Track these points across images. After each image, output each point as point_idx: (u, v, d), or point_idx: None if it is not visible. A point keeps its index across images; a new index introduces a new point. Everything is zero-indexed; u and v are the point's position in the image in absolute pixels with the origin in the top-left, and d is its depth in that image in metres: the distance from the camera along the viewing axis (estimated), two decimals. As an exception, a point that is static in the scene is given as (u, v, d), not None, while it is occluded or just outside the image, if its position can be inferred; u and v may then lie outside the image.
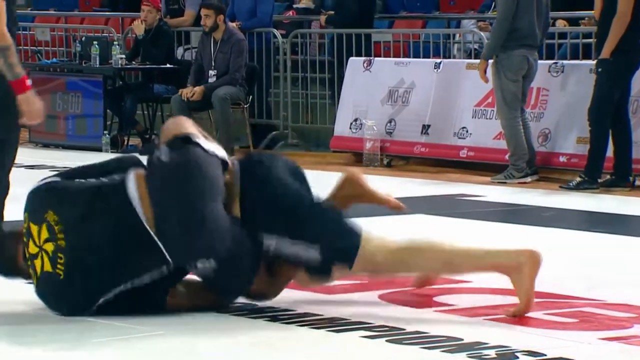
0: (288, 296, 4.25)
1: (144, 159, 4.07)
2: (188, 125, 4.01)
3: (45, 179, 4.10)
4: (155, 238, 3.82)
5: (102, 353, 3.67)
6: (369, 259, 4.00)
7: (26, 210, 4.03)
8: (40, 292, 3.97)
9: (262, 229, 3.93)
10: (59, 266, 3.88)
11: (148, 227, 3.81)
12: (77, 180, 4.02)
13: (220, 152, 4.00)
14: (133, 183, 3.90)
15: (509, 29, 7.89)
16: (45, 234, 3.90)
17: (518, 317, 4.14)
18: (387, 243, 4.05)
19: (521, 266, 4.07)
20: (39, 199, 3.99)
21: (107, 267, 3.83)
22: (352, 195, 4.30)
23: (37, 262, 3.93)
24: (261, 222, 3.93)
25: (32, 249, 3.95)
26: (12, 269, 4.06)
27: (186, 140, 3.93)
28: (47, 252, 3.90)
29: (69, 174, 4.10)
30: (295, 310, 4.18)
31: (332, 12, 10.09)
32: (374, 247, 4.01)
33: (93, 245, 3.83)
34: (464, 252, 4.13)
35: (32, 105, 4.50)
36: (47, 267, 3.90)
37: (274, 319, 4.09)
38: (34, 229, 3.94)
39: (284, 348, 3.80)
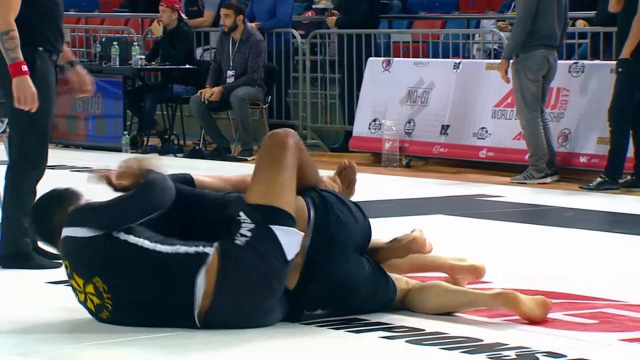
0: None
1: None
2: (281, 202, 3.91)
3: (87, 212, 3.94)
4: (197, 322, 3.87)
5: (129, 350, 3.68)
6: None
7: (66, 258, 3.92)
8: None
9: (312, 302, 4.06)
10: (103, 315, 3.92)
11: (196, 316, 3.85)
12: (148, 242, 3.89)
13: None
14: (202, 279, 3.83)
15: (529, 29, 7.87)
16: (91, 290, 3.87)
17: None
18: (401, 284, 4.18)
19: (502, 308, 4.13)
20: (86, 258, 3.87)
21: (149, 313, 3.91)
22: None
23: (80, 295, 3.93)
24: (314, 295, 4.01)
25: (75, 285, 3.92)
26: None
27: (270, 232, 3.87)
28: (91, 300, 3.89)
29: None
30: (314, 311, 4.17)
31: (337, 13, 10.02)
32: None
33: (140, 300, 3.87)
34: (457, 299, 4.19)
35: (22, 90, 4.64)
36: (91, 307, 3.93)
37: (292, 319, 4.09)
38: (79, 280, 3.89)
39: (304, 348, 3.79)
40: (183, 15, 10.44)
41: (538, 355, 3.65)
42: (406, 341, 3.82)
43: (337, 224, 4.00)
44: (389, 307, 4.13)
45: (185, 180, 4.11)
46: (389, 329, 3.95)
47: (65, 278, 4.03)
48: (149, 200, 3.88)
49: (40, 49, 4.80)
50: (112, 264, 3.83)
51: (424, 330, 3.93)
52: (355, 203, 4.20)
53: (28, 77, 4.64)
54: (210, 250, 3.84)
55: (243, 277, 3.84)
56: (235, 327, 3.90)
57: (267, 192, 3.89)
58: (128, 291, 3.84)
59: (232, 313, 3.89)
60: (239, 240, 3.85)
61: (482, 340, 3.81)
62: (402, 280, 4.20)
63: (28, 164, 4.82)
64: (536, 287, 4.62)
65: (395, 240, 4.22)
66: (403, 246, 4.20)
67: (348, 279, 4.00)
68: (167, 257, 3.82)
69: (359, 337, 3.89)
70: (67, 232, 3.90)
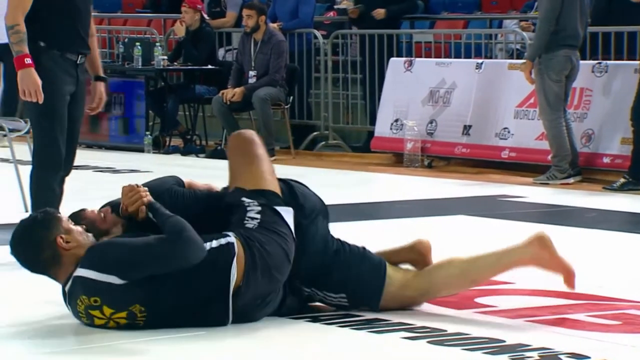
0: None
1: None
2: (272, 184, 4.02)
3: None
4: (230, 316, 3.87)
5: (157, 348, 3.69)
6: (396, 296, 4.12)
7: (94, 295, 3.79)
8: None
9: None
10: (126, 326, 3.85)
11: (230, 308, 3.87)
12: None
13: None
14: (235, 269, 3.84)
15: (553, 30, 7.84)
16: (122, 315, 3.81)
17: (561, 319, 4.10)
18: (409, 275, 4.18)
19: (536, 257, 4.13)
20: (126, 292, 3.77)
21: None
22: (416, 261, 4.29)
23: (98, 320, 3.83)
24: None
25: (96, 314, 3.81)
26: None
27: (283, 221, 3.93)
28: (116, 322, 3.82)
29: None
30: (336, 311, 4.16)
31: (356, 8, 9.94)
32: (398, 284, 4.12)
33: (176, 306, 3.84)
34: (480, 261, 4.16)
35: (26, 82, 4.70)
36: (112, 326, 3.84)
37: (315, 319, 4.09)
38: (107, 310, 3.80)
39: (325, 348, 3.79)
40: (205, 16, 10.45)
41: (561, 356, 3.63)
42: (428, 342, 3.80)
43: (303, 197, 4.11)
44: (377, 299, 4.07)
45: (177, 182, 4.15)
46: (411, 329, 3.94)
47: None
48: (176, 254, 3.75)
49: (42, 44, 4.80)
50: (151, 287, 3.78)
51: (445, 330, 3.92)
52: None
53: (32, 70, 4.69)
54: (231, 239, 3.86)
55: (267, 257, 3.89)
56: (256, 317, 3.93)
57: (257, 180, 4.04)
58: (165, 303, 3.80)
59: (256, 299, 3.90)
60: (251, 224, 3.91)
61: (504, 341, 3.79)
62: (403, 273, 4.17)
63: (37, 165, 4.85)
64: (559, 288, 4.59)
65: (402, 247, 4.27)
66: (409, 247, 4.24)
67: (326, 242, 4.07)
68: (207, 256, 3.81)
69: (381, 337, 3.88)
70: (89, 274, 3.75)
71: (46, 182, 4.83)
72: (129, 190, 3.92)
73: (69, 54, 4.87)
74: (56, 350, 3.74)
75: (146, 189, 3.94)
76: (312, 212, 4.09)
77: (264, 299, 3.94)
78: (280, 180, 4.15)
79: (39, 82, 4.71)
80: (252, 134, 4.22)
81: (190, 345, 3.75)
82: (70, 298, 3.85)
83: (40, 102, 4.72)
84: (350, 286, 4.08)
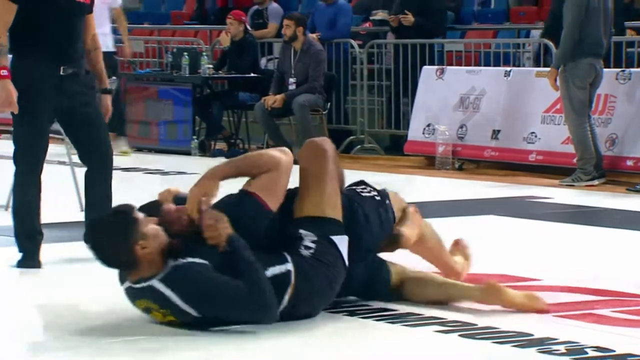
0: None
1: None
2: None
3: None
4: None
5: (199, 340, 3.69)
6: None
7: (163, 308, 3.76)
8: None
9: None
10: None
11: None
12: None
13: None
14: (288, 295, 3.83)
15: (577, 39, 7.77)
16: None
17: (587, 314, 4.06)
18: (400, 278, 4.21)
19: (489, 303, 4.11)
20: (196, 319, 3.74)
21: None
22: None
23: (155, 316, 3.80)
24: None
25: (156, 314, 3.79)
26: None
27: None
28: (172, 321, 3.80)
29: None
30: (372, 305, 4.15)
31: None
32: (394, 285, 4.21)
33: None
34: (448, 289, 4.20)
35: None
36: (165, 321, 3.81)
37: (352, 313, 4.07)
38: (171, 318, 3.76)
39: (362, 340, 3.77)
40: (249, 27, 10.48)
41: (587, 349, 3.59)
42: (459, 335, 3.78)
43: (362, 223, 4.05)
44: (387, 289, 4.12)
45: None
46: (443, 323, 3.91)
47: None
48: (257, 316, 3.72)
49: (24, 56, 4.72)
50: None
51: (476, 325, 3.89)
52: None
53: (6, 81, 4.63)
54: (290, 267, 3.82)
55: (313, 286, 3.88)
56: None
57: (319, 203, 3.91)
58: (220, 317, 3.76)
59: (296, 317, 3.90)
60: (305, 252, 3.87)
61: (532, 335, 3.75)
62: (397, 267, 4.21)
63: (16, 165, 4.83)
64: (585, 285, 4.55)
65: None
66: (391, 242, 4.19)
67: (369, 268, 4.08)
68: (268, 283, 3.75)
69: (414, 330, 3.86)
70: (169, 294, 3.67)
71: (20, 181, 4.79)
72: (211, 226, 3.71)
73: (50, 66, 4.74)
74: (99, 342, 3.76)
75: (226, 220, 3.72)
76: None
77: (300, 316, 3.93)
78: (342, 193, 4.04)
79: (14, 93, 4.64)
80: (324, 143, 4.02)
81: (237, 340, 3.75)
82: (134, 292, 3.79)
83: (15, 112, 4.70)
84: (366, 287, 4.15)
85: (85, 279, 4.64)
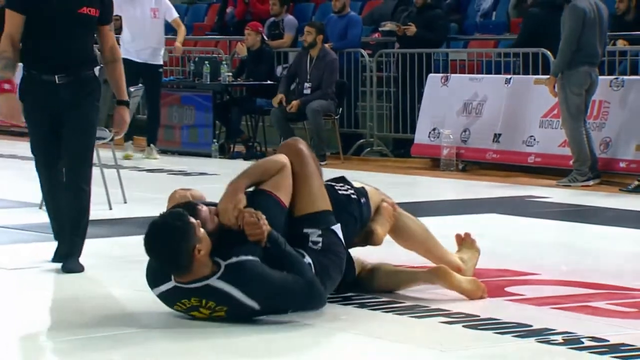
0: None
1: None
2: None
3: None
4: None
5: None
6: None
7: (220, 304, 3.71)
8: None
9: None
10: (213, 316, 3.78)
11: None
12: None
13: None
14: None
15: (574, 49, 7.76)
16: (222, 314, 3.75)
17: (583, 306, 4.05)
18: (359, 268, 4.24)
19: (437, 283, 4.16)
20: (254, 311, 3.74)
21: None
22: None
23: (199, 314, 3.75)
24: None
25: (204, 311, 3.75)
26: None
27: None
28: (212, 315, 3.77)
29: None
30: (380, 298, 4.15)
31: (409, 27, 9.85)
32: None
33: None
34: (400, 275, 4.24)
35: (2, 107, 4.58)
36: (202, 316, 3.75)
37: (361, 305, 4.07)
38: (221, 313, 3.74)
39: (372, 330, 3.78)
40: (265, 38, 10.49)
41: (583, 339, 3.58)
42: (463, 326, 3.78)
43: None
44: (354, 280, 4.14)
45: None
46: (448, 314, 3.91)
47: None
48: (311, 305, 3.78)
49: (23, 66, 4.63)
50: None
51: (479, 316, 3.89)
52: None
53: (10, 95, 4.54)
54: (308, 260, 3.86)
55: (331, 275, 3.91)
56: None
57: (311, 200, 3.95)
58: (280, 309, 3.79)
59: None
60: (316, 247, 3.90)
61: (531, 326, 3.75)
62: (359, 261, 4.23)
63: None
64: (581, 279, 4.54)
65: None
66: (363, 237, 4.19)
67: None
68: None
69: (421, 321, 3.86)
70: (231, 290, 3.65)
71: (39, 175, 4.71)
72: (253, 223, 3.72)
73: (45, 76, 4.58)
74: (130, 330, 3.76)
75: (264, 218, 3.74)
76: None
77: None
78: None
79: (17, 107, 4.56)
80: (299, 144, 4.04)
81: (247, 334, 3.76)
82: (183, 292, 3.71)
83: (20, 124, 4.62)
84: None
85: (117, 274, 4.65)
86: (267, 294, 3.71)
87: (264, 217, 3.78)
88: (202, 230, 3.72)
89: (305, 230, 3.91)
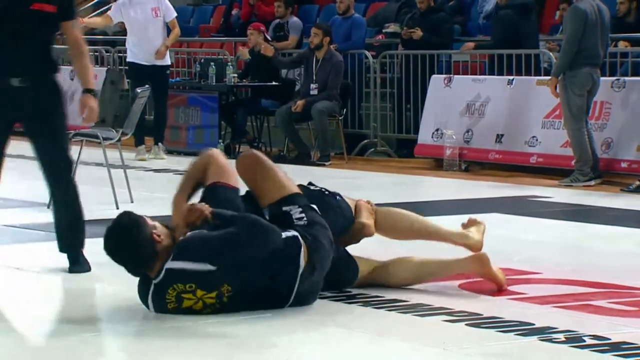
0: (377, 285, 4.24)
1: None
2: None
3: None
4: (292, 299, 3.89)
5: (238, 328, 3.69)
6: (360, 282, 4.25)
7: (196, 281, 3.74)
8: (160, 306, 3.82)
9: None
10: (209, 310, 3.81)
11: (294, 292, 3.88)
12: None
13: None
14: (302, 258, 3.86)
15: (576, 50, 7.75)
16: (212, 296, 3.78)
17: (584, 305, 4.05)
18: (370, 267, 4.26)
19: (473, 272, 4.22)
20: (216, 273, 3.76)
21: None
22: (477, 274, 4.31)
23: (187, 301, 3.79)
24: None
25: (188, 296, 3.78)
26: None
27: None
28: (204, 302, 3.80)
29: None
30: (384, 296, 4.15)
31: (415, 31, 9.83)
32: (364, 274, 4.27)
33: (255, 288, 3.83)
34: (429, 266, 4.26)
35: None
36: (197, 307, 3.81)
37: (366, 304, 4.08)
38: (201, 292, 3.77)
39: (376, 329, 3.78)
40: (268, 37, 10.49)
41: (585, 338, 3.58)
42: (466, 324, 3.77)
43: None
44: (355, 279, 4.17)
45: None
46: (451, 313, 3.91)
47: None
48: (258, 237, 3.78)
49: None
50: (238, 272, 3.77)
51: (481, 314, 3.88)
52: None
53: None
54: (295, 234, 3.88)
55: (322, 249, 3.92)
56: (309, 302, 3.93)
57: (280, 187, 4.01)
58: (248, 283, 3.79)
59: (313, 285, 3.91)
60: (301, 222, 3.92)
61: (534, 324, 3.74)
62: (363, 261, 4.24)
63: None
64: (582, 278, 4.53)
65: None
66: (355, 233, 4.21)
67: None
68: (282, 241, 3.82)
69: (424, 320, 3.86)
70: (184, 265, 3.71)
71: None
72: (189, 209, 3.83)
73: (3, 79, 4.35)
74: (134, 329, 3.77)
75: (203, 204, 3.87)
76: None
77: (316, 285, 3.95)
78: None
79: None
80: (253, 151, 4.22)
81: (251, 330, 3.76)
82: (159, 288, 3.79)
83: None
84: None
85: (125, 273, 4.66)
86: (212, 251, 3.75)
87: (198, 203, 3.88)
88: (155, 222, 3.82)
89: (284, 209, 3.96)
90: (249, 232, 3.78)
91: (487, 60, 9.49)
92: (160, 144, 9.84)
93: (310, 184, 4.31)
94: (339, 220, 4.14)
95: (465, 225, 4.46)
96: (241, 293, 3.81)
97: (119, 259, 3.84)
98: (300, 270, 3.86)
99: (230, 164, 4.11)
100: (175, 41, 10.03)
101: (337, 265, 4.10)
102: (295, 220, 3.93)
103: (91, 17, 10.51)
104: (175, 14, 9.92)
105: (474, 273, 4.22)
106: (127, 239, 3.80)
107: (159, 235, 3.80)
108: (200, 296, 3.80)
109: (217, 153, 4.08)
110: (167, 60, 9.84)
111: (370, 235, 4.25)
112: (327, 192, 4.24)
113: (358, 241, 4.26)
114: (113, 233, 3.84)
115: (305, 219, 3.94)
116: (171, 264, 3.78)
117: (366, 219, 4.24)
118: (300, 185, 4.18)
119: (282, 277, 3.85)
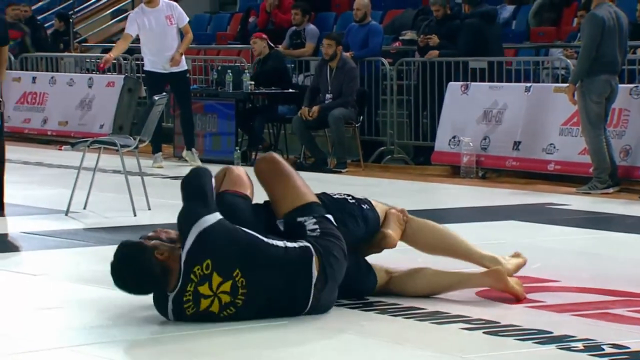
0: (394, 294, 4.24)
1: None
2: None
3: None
4: (308, 307, 3.89)
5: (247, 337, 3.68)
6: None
7: (212, 256, 3.74)
8: (180, 314, 3.82)
9: None
10: (225, 313, 3.80)
11: (311, 300, 3.87)
12: (266, 239, 3.84)
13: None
14: (314, 267, 3.86)
15: (594, 57, 7.73)
16: (226, 288, 3.75)
17: (603, 313, 4.03)
18: (387, 277, 4.25)
19: (490, 286, 4.19)
20: (232, 253, 3.76)
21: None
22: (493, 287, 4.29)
23: (205, 301, 3.77)
24: None
25: (204, 291, 3.76)
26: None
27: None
28: (220, 300, 3.78)
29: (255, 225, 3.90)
30: (401, 304, 4.14)
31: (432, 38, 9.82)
32: (381, 283, 4.26)
33: (268, 297, 3.83)
34: (445, 278, 4.23)
35: None
36: (214, 309, 3.80)
37: (383, 311, 4.07)
38: (217, 279, 3.74)
39: (393, 336, 3.77)
40: (271, 43, 10.51)
41: (603, 346, 3.55)
42: (484, 332, 3.76)
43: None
44: (374, 288, 4.16)
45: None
46: (468, 321, 3.89)
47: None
48: (201, 180, 3.94)
49: None
50: (252, 257, 3.77)
51: (499, 322, 3.87)
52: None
53: None
54: (307, 244, 3.87)
55: (334, 263, 3.91)
56: (326, 308, 3.92)
57: (297, 195, 3.99)
58: (261, 284, 3.78)
59: (330, 292, 3.92)
60: (314, 233, 3.92)
61: (552, 333, 3.72)
62: (382, 270, 4.22)
63: None
64: (601, 286, 4.51)
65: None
66: (376, 243, 4.19)
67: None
68: (290, 251, 3.83)
69: (442, 327, 3.84)
70: (188, 244, 3.72)
71: None
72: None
73: None
74: (138, 337, 3.77)
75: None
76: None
77: (332, 295, 3.94)
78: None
79: None
80: (274, 155, 4.17)
81: (266, 338, 3.76)
82: (182, 292, 3.77)
83: None
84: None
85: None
86: (188, 211, 3.83)
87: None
88: (153, 240, 3.81)
89: (299, 220, 3.94)
90: (190, 181, 3.94)
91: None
92: (193, 149, 9.84)
93: (333, 193, 4.23)
94: (358, 230, 4.10)
95: (511, 256, 4.43)
96: (255, 295, 3.80)
97: (133, 292, 3.86)
98: (314, 280, 3.85)
99: (248, 175, 4.10)
100: (188, 46, 10.04)
101: (356, 275, 4.08)
102: (308, 232, 3.91)
103: (113, 49, 10.12)
104: (188, 19, 9.94)
105: (491, 288, 4.17)
106: (133, 269, 3.78)
107: (161, 254, 3.77)
108: (216, 289, 3.75)
109: (236, 167, 4.15)
110: (184, 65, 9.86)
111: (392, 246, 4.20)
112: (352, 200, 4.16)
113: (380, 251, 4.23)
114: (117, 272, 3.83)
115: (318, 229, 3.92)
116: (182, 254, 3.74)
117: (391, 229, 4.18)
118: (322, 193, 4.15)
119: (296, 284, 3.84)
